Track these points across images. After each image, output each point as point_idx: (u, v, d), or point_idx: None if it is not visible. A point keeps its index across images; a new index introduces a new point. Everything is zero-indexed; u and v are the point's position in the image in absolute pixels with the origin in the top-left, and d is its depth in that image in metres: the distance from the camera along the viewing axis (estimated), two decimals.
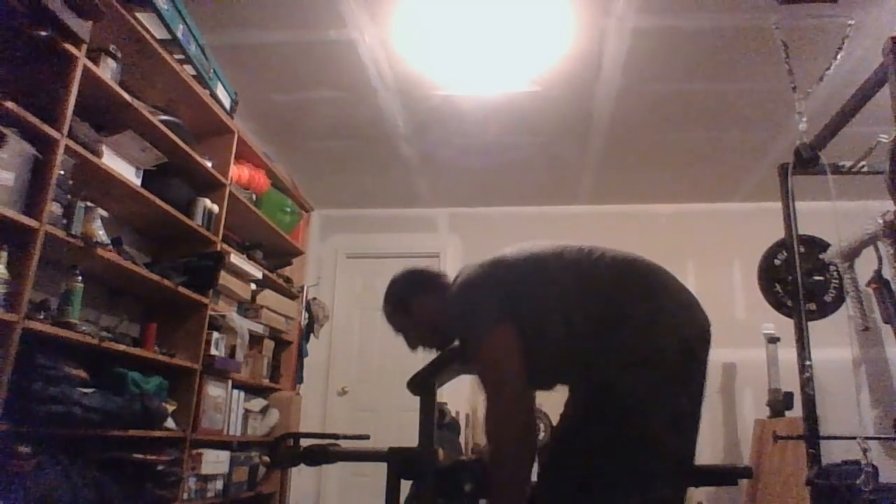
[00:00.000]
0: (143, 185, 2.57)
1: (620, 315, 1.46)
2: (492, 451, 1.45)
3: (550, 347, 1.49)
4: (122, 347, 2.39)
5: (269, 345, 3.82)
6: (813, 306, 2.98)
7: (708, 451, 4.30)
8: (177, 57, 2.67)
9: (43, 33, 1.94)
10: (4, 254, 1.86)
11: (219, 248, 3.08)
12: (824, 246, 3.02)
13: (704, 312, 1.53)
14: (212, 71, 2.96)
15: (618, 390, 1.41)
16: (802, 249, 2.88)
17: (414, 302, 1.76)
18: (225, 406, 3.17)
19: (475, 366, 1.55)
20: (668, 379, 1.43)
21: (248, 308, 3.55)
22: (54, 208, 2.04)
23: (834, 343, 3.25)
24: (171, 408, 2.68)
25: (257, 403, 3.64)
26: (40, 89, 2.03)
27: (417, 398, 2.08)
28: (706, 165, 4.18)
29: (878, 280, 2.64)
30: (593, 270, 1.54)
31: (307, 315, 4.32)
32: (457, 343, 1.70)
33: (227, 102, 3.15)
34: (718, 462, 4.20)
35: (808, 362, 2.61)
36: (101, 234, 2.28)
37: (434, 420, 1.93)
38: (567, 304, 1.50)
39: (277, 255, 4.05)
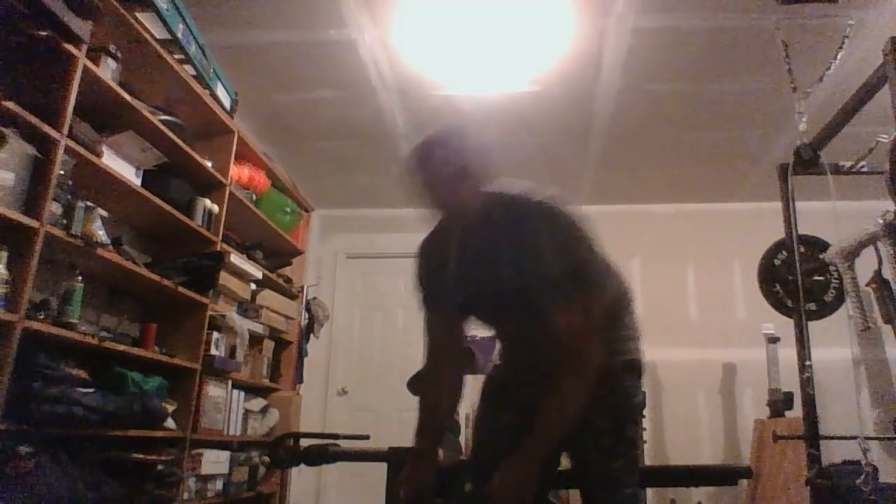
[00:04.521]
0: (143, 185, 2.57)
1: (623, 316, 1.63)
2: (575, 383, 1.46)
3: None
4: (122, 347, 2.39)
5: (269, 345, 3.82)
6: (813, 306, 2.97)
7: (708, 451, 4.31)
8: (177, 57, 2.67)
9: (43, 33, 1.94)
10: (4, 254, 1.86)
11: (219, 248, 3.07)
12: (824, 246, 3.02)
13: None
14: (212, 71, 2.96)
15: (622, 389, 1.57)
16: (802, 249, 2.88)
17: (476, 173, 1.53)
18: (225, 406, 3.17)
19: (568, 298, 1.44)
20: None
21: (248, 308, 3.55)
22: (54, 208, 2.03)
23: (834, 343, 3.24)
24: (171, 408, 2.68)
25: (257, 403, 3.64)
26: (40, 89, 2.03)
27: (417, 398, 2.08)
28: (706, 165, 4.18)
29: (878, 280, 2.63)
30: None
31: (307, 315, 4.32)
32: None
33: (227, 102, 3.15)
34: (718, 462, 4.20)
35: (808, 362, 2.61)
36: (101, 234, 2.28)
37: None
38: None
39: (277, 255, 4.05)
